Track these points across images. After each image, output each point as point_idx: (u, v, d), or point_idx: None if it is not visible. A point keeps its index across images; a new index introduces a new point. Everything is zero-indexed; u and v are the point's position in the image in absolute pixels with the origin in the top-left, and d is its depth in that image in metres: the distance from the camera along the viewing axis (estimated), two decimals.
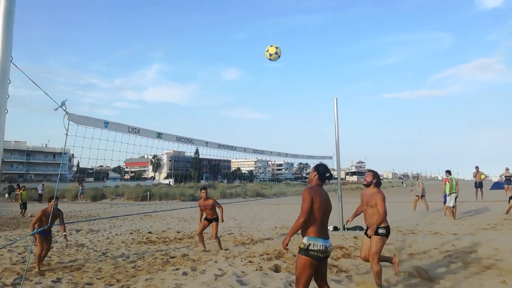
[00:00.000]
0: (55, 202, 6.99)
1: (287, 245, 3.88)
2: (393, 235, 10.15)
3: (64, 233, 7.65)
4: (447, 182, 13.67)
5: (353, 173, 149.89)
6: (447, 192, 13.55)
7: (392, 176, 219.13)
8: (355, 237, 9.42)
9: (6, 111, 2.78)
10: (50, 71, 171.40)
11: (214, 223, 8.90)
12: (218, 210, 8.95)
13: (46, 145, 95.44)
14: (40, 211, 7.26)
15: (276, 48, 8.00)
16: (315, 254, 3.71)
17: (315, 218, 3.76)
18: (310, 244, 3.73)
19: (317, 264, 3.76)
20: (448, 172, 14.14)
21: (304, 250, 3.75)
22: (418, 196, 16.70)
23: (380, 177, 5.83)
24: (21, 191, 20.62)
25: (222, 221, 9.15)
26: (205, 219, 9.00)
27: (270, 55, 8.01)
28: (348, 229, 10.87)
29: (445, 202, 13.89)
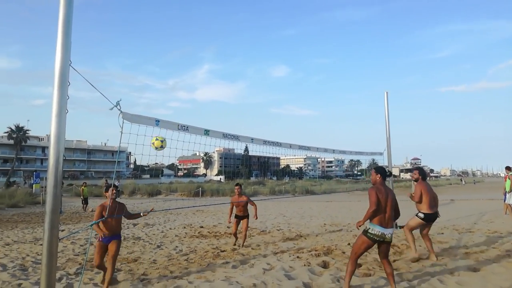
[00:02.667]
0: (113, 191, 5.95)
1: (359, 226, 4.95)
2: (448, 233, 9.74)
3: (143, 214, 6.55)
4: (508, 179, 12.83)
5: (408, 170, 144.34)
6: (508, 190, 12.73)
7: (450, 173, 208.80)
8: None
9: (67, 111, 3.02)
10: (108, 74, 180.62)
11: (245, 220, 8.97)
12: (252, 207, 8.98)
13: (105, 144, 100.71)
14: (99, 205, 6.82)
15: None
16: (372, 236, 4.79)
17: (377, 210, 4.75)
18: (369, 228, 4.83)
19: (373, 244, 4.87)
20: (508, 168, 13.21)
21: (365, 232, 4.87)
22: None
23: (426, 172, 7.71)
24: (83, 187, 21.92)
25: (256, 218, 9.22)
26: (236, 216, 9.06)
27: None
28: (401, 227, 10.54)
29: (505, 200, 13.06)
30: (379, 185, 4.94)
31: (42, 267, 2.96)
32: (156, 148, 6.57)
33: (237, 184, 9.08)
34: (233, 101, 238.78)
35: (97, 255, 5.61)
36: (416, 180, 7.28)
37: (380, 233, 4.74)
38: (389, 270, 4.89)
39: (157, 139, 6.30)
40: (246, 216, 9.03)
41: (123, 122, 4.12)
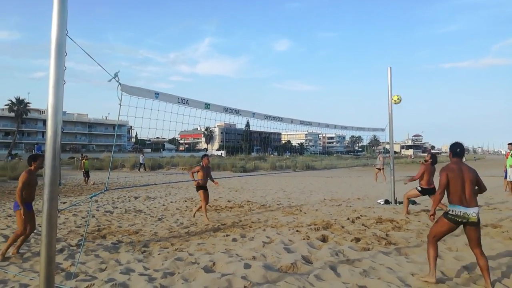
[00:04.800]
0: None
1: (432, 215, 4.69)
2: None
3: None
4: (510, 156, 12.79)
5: (409, 147, 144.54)
6: (508, 166, 12.71)
7: None
8: (407, 212, 9.18)
9: (64, 82, 2.97)
10: (110, 47, 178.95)
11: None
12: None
13: (106, 118, 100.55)
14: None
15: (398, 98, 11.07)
16: (453, 218, 4.40)
17: (453, 189, 4.42)
18: (450, 210, 4.44)
19: (455, 227, 4.50)
20: (511, 144, 13.14)
21: (445, 214, 4.51)
22: (378, 168, 19.59)
23: (437, 158, 9.31)
24: (84, 160, 21.98)
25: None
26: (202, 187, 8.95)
27: (395, 101, 11.04)
28: (400, 203, 10.61)
29: (506, 177, 13.07)
30: (451, 164, 4.56)
31: (42, 238, 2.98)
32: (396, 103, 11.11)
33: (205, 155, 9.48)
34: (235, 76, 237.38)
35: None
36: (425, 161, 9.05)
37: (461, 213, 4.34)
38: (483, 263, 4.33)
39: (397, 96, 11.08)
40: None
41: (121, 95, 4.06)
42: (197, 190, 9.00)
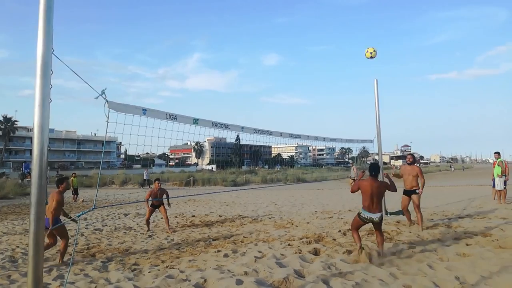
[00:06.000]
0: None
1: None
2: (438, 219, 9.85)
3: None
4: (496, 165, 12.97)
5: (398, 157, 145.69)
6: (496, 175, 12.88)
7: (440, 159, 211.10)
8: (398, 222, 9.21)
9: (50, 101, 2.95)
10: (99, 64, 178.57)
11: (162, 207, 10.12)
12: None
13: (95, 134, 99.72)
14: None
15: (374, 50, 10.14)
16: (363, 218, 6.07)
17: (364, 199, 6.04)
18: (361, 213, 6.08)
19: (365, 223, 6.15)
20: (498, 153, 13.34)
21: (358, 214, 6.14)
22: (353, 179, 20.87)
23: (419, 160, 9.90)
24: (72, 177, 21.72)
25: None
26: (152, 205, 10.08)
27: (370, 53, 10.11)
28: (391, 213, 10.64)
29: (494, 186, 13.23)
30: (365, 181, 6.15)
31: (29, 259, 2.91)
32: (372, 56, 10.13)
33: (157, 179, 10.44)
34: (225, 90, 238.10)
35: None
36: (411, 163, 8.82)
37: (369, 217, 6.00)
38: (380, 239, 6.20)
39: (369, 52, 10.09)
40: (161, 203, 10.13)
41: (109, 112, 4.05)
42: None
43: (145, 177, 32.51)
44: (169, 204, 10.25)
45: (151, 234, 9.45)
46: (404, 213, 8.96)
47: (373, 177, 6.12)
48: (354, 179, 20.60)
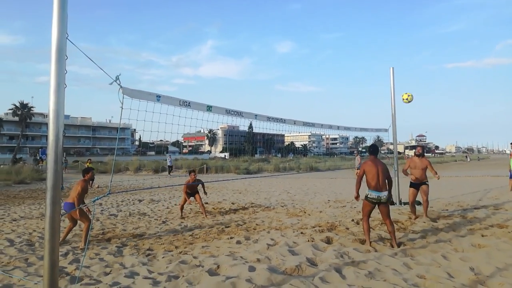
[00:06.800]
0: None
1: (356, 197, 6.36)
2: (453, 209, 9.73)
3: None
4: None
5: (412, 147, 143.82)
6: None
7: (456, 150, 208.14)
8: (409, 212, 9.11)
9: (65, 86, 2.95)
10: (113, 51, 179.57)
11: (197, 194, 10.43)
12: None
13: (110, 121, 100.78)
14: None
15: (408, 95, 10.66)
16: (370, 199, 6.08)
17: (369, 178, 6.07)
18: (368, 194, 6.09)
19: (373, 206, 6.12)
20: None
21: (365, 197, 6.13)
22: (358, 169, 20.51)
23: (434, 150, 10.52)
24: (88, 163, 22.04)
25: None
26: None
27: (406, 99, 10.65)
28: (405, 203, 10.54)
29: (510, 177, 12.98)
30: (368, 160, 6.31)
31: (45, 242, 2.96)
32: (408, 101, 10.68)
33: (192, 171, 10.53)
34: (238, 78, 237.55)
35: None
36: (420, 155, 8.66)
37: (376, 196, 6.01)
38: (391, 229, 6.07)
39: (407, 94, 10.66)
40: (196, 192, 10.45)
41: (123, 98, 4.05)
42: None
43: (168, 163, 32.79)
44: (205, 193, 10.60)
45: (165, 220, 9.56)
46: (410, 207, 8.60)
47: (375, 157, 6.29)
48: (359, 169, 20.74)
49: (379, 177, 5.98)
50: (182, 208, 10.46)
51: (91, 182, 21.20)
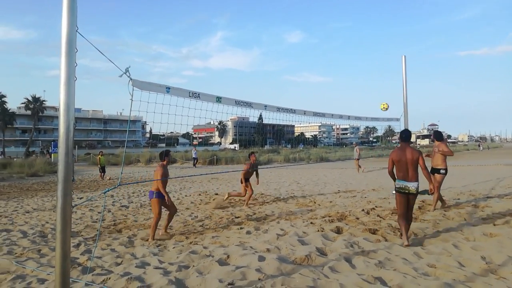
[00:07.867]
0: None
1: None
2: (465, 199, 9.65)
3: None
4: None
5: (424, 136, 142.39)
6: None
7: (468, 138, 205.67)
8: (423, 201, 9.05)
9: (75, 79, 2.98)
10: (123, 44, 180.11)
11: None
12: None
13: (121, 114, 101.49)
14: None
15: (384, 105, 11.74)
16: (398, 189, 5.72)
17: (398, 168, 5.71)
18: (396, 184, 5.75)
19: (405, 197, 5.71)
20: None
21: (395, 189, 5.80)
22: (357, 159, 21.95)
23: (446, 138, 9.58)
24: (100, 156, 22.28)
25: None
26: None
27: (383, 107, 11.72)
28: (418, 192, 10.44)
29: None
30: (398, 148, 5.84)
31: (56, 234, 3.02)
32: (385, 108, 11.73)
33: (252, 153, 10.66)
34: (248, 69, 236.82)
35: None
36: (438, 140, 8.60)
37: (404, 186, 5.65)
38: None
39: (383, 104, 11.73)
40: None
41: (133, 90, 4.07)
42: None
43: (194, 156, 33.13)
44: (258, 181, 10.68)
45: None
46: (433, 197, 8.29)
47: (405, 144, 5.79)
48: (358, 159, 21.91)
49: (407, 166, 5.60)
50: (249, 197, 10.16)
51: (102, 174, 21.53)
